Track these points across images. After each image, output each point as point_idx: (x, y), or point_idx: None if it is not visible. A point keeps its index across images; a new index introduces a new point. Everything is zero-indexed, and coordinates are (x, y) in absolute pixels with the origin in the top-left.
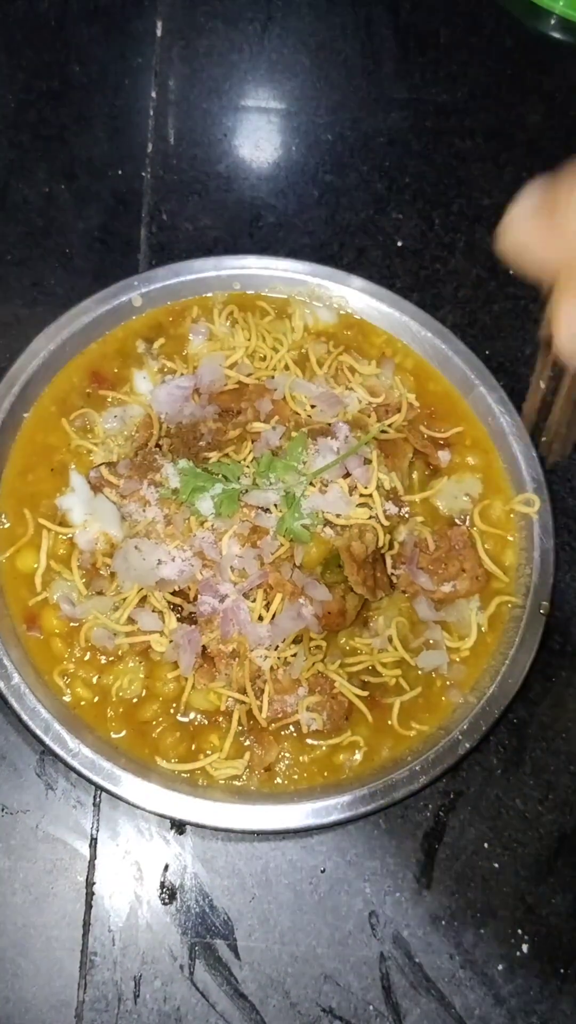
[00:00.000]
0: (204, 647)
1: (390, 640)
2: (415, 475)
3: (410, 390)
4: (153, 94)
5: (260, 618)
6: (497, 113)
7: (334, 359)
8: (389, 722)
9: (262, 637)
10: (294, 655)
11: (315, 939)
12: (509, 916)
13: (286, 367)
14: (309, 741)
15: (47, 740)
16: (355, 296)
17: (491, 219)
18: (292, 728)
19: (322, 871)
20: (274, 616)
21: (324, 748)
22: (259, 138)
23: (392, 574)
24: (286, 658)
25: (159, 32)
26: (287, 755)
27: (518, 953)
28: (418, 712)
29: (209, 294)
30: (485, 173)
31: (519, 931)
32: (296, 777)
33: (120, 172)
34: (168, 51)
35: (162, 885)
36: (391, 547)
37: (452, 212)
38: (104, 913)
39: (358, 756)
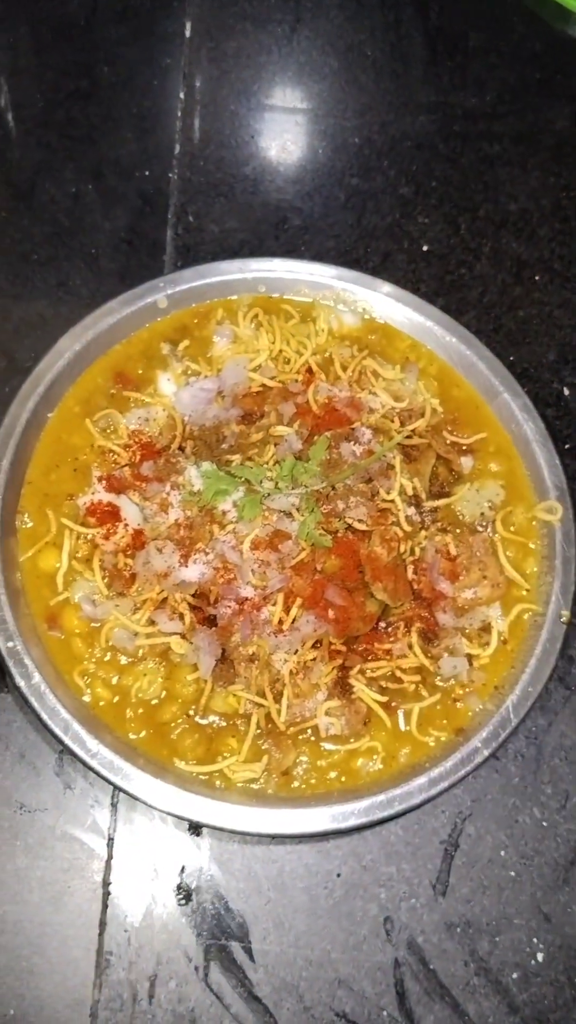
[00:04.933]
0: (224, 650)
1: (410, 647)
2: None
3: (434, 395)
4: (181, 95)
5: (280, 622)
6: (525, 117)
7: (358, 363)
8: (407, 728)
9: (281, 641)
10: (313, 659)
11: (330, 943)
12: (525, 924)
13: (310, 371)
14: (327, 746)
15: (66, 740)
16: (380, 300)
17: (518, 224)
18: (310, 732)
19: (338, 875)
20: (294, 620)
21: (342, 753)
22: (286, 140)
23: (413, 579)
24: (305, 662)
25: (188, 33)
26: (305, 759)
27: (533, 962)
28: (436, 718)
29: (234, 296)
30: (512, 178)
31: (535, 940)
32: (313, 782)
33: (147, 173)
34: (197, 52)
35: (178, 886)
36: (412, 553)
37: (479, 217)
38: (120, 913)
39: (376, 762)
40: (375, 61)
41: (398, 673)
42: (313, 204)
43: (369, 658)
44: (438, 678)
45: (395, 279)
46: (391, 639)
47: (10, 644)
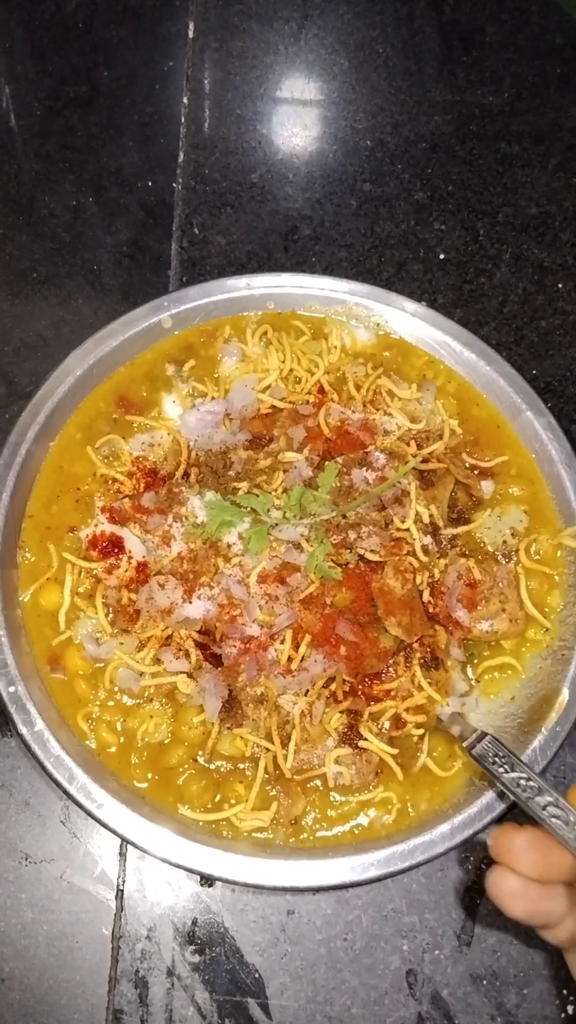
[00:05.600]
0: (231, 690)
1: (414, 680)
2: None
3: (452, 415)
4: (185, 99)
5: (289, 660)
6: (545, 115)
7: (372, 382)
8: (428, 769)
9: (290, 682)
10: (317, 698)
11: (350, 998)
12: (554, 975)
13: (321, 390)
14: (336, 796)
15: (72, 790)
16: (394, 315)
17: (539, 228)
18: (319, 781)
19: (358, 926)
20: (303, 659)
21: (353, 804)
22: (295, 145)
23: (429, 602)
24: (313, 703)
25: (191, 33)
26: (315, 809)
27: (563, 1015)
28: (446, 760)
29: (242, 313)
30: (532, 179)
31: (564, 991)
32: (322, 833)
33: (150, 183)
34: (200, 53)
35: (191, 939)
36: (431, 576)
37: (498, 222)
38: (130, 968)
39: (389, 817)
40: (387, 59)
41: (404, 716)
42: (324, 212)
43: (372, 702)
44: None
45: (410, 290)
46: (392, 678)
47: (11, 689)
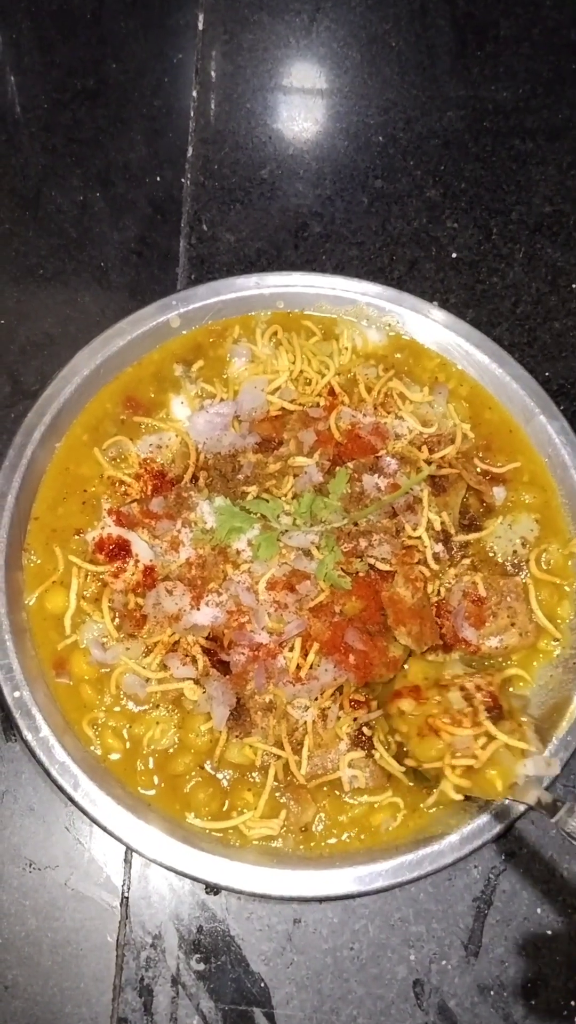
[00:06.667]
0: (239, 698)
1: (478, 739)
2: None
3: (464, 419)
4: (194, 93)
5: (297, 668)
6: (560, 111)
7: (383, 385)
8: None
9: (299, 690)
10: (329, 707)
11: (356, 1008)
12: (562, 986)
13: (332, 392)
14: (349, 799)
15: (76, 797)
16: (406, 315)
17: (553, 227)
18: (328, 787)
19: (364, 935)
20: (311, 667)
21: (364, 807)
22: (305, 140)
23: (436, 621)
24: (325, 711)
25: (201, 26)
26: (324, 815)
27: None
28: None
29: (251, 313)
30: (547, 177)
31: (572, 1003)
32: (333, 840)
33: (158, 178)
34: (210, 46)
35: (196, 947)
36: (438, 594)
37: (511, 220)
38: (135, 976)
39: (397, 820)
40: (400, 53)
41: (449, 775)
42: (335, 209)
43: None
44: None
45: (422, 290)
46: (455, 721)
47: (16, 694)
